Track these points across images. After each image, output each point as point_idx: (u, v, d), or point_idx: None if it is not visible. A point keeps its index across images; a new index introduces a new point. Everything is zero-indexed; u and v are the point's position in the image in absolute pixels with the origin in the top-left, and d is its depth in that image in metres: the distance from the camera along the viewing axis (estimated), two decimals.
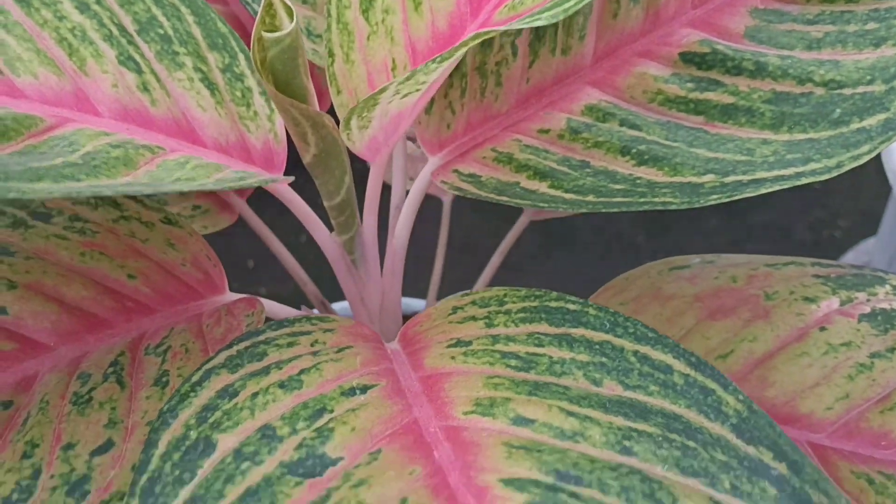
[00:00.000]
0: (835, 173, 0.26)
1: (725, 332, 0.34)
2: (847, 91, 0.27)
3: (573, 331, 0.26)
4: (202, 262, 0.32)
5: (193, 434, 0.22)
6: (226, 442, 0.21)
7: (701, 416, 0.22)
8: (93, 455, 0.24)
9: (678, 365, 0.24)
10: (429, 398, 0.24)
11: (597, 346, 0.25)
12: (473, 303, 0.29)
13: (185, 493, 0.20)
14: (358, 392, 0.24)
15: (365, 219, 0.35)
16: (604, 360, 0.24)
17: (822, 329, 0.34)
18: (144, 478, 0.21)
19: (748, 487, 0.20)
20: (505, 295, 0.28)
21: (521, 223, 0.45)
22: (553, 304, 0.27)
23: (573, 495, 0.20)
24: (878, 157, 0.63)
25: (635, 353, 0.24)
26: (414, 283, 0.57)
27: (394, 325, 0.38)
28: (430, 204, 0.55)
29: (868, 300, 0.34)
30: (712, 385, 0.23)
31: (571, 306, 0.26)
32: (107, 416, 0.25)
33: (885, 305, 0.34)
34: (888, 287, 0.34)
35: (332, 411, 0.23)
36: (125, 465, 0.24)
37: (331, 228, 0.35)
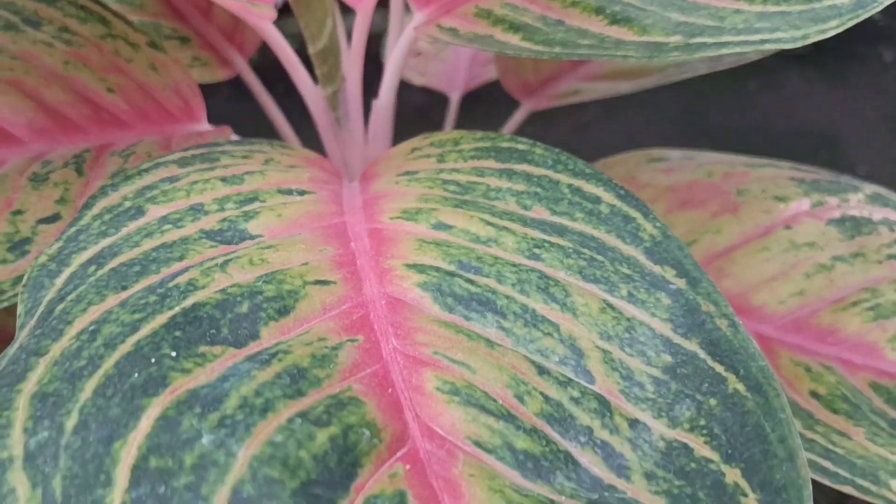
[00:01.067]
0: (799, 43, 0.26)
1: (692, 223, 0.34)
2: None
3: (516, 166, 0.26)
4: (183, 90, 0.33)
5: (128, 203, 0.23)
6: (155, 211, 0.22)
7: (617, 240, 0.22)
8: (39, 223, 0.25)
9: (607, 196, 0.24)
10: (364, 209, 0.25)
11: (535, 179, 0.25)
12: (431, 144, 0.29)
13: (104, 242, 0.21)
14: (295, 193, 0.25)
15: (349, 70, 0.35)
16: (538, 190, 0.25)
17: (788, 228, 0.34)
18: (73, 229, 0.22)
19: (644, 296, 0.21)
20: (461, 137, 0.29)
21: (521, 114, 0.45)
22: (504, 144, 0.27)
23: (469, 281, 0.20)
24: None
25: (569, 185, 0.25)
26: None
27: None
28: (437, 101, 0.56)
29: (839, 206, 0.34)
30: (634, 214, 0.23)
31: (520, 146, 0.27)
32: (59, 194, 0.26)
33: (856, 213, 0.34)
34: (861, 196, 0.34)
35: (264, 201, 0.23)
36: None
37: (316, 80, 0.36)
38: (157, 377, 0.15)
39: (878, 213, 0.34)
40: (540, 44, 0.29)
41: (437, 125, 0.53)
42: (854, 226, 0.34)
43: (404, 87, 0.56)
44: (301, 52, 0.36)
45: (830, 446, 0.26)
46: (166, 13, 0.39)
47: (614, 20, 0.29)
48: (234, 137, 0.32)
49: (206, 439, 0.14)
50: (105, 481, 0.13)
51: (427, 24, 0.33)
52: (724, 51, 0.26)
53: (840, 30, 0.26)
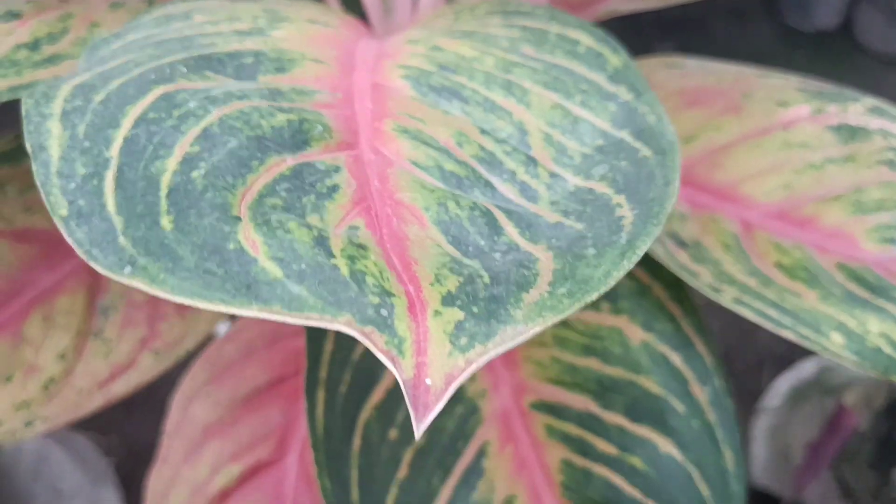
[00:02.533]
0: None
1: (695, 120, 0.37)
2: None
3: (517, 21, 0.29)
4: None
5: (178, 11, 0.27)
6: (200, 18, 0.27)
7: (585, 69, 0.26)
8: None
9: (586, 40, 0.27)
10: (380, 41, 0.29)
11: (530, 30, 0.28)
12: (452, 11, 0.33)
13: (154, 30, 0.25)
14: (320, 24, 0.29)
15: None
16: (530, 37, 0.28)
17: (785, 129, 0.36)
18: (132, 23, 0.26)
19: (594, 104, 0.24)
20: (478, 4, 0.32)
21: None
22: (511, 7, 0.31)
23: (444, 77, 0.24)
24: None
25: (557, 33, 0.28)
26: None
27: None
28: None
29: (838, 114, 0.36)
30: (605, 51, 0.26)
31: (524, 8, 0.30)
32: (130, 17, 0.31)
33: (853, 121, 0.35)
34: (861, 106, 0.36)
35: (291, 21, 0.28)
36: None
37: None
38: (168, 77, 0.19)
39: (875, 123, 0.35)
40: None
41: None
42: (850, 133, 0.35)
43: None
44: None
45: (780, 301, 0.29)
46: None
47: None
48: None
49: (192, 104, 0.18)
50: (114, 125, 0.17)
51: None
52: None
53: None
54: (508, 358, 0.31)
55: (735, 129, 0.36)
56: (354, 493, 0.28)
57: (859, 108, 0.36)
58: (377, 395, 0.30)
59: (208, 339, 0.40)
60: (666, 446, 0.28)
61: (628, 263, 0.16)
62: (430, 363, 0.13)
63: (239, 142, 0.17)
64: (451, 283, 0.15)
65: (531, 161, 0.21)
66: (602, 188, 0.19)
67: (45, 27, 0.29)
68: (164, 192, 0.16)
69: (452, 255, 0.16)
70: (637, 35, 1.71)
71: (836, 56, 1.68)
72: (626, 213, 0.18)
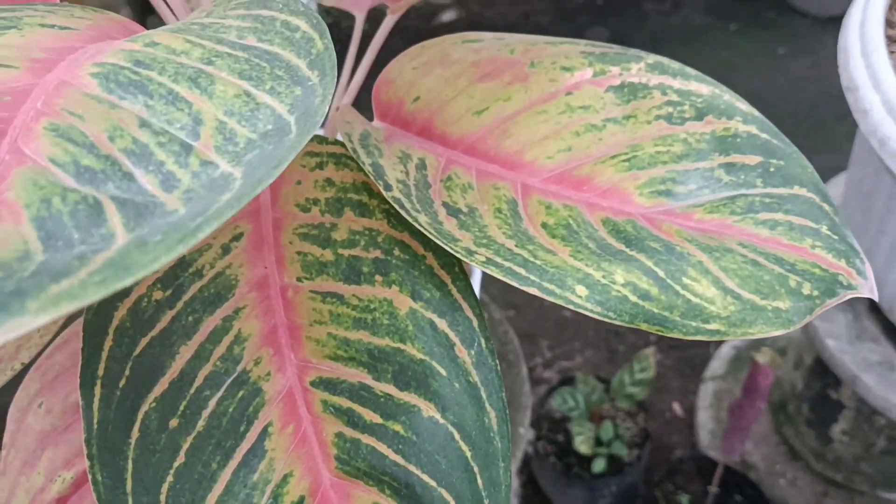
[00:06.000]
0: None
1: (486, 93, 0.38)
2: None
3: (255, 11, 0.30)
4: None
5: None
6: None
7: (293, 55, 0.26)
8: None
9: (304, 26, 0.28)
10: (109, 42, 0.29)
11: (262, 18, 0.29)
12: (215, 4, 0.33)
13: None
14: (57, 28, 0.29)
15: None
16: (259, 26, 0.29)
17: (569, 94, 0.36)
18: None
19: (282, 90, 0.24)
20: None
21: (390, 19, 0.49)
22: None
23: (134, 73, 0.24)
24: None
25: (283, 21, 0.28)
26: None
27: None
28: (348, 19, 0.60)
29: (620, 74, 0.36)
30: (314, 35, 0.27)
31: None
32: None
33: (635, 80, 0.36)
34: (643, 64, 0.36)
35: (20, 30, 0.28)
36: None
37: None
38: None
39: (655, 80, 0.36)
40: None
41: (345, 39, 0.57)
42: (631, 91, 0.36)
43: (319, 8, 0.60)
44: None
45: (531, 259, 0.30)
46: None
47: None
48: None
49: None
50: None
51: None
52: None
53: None
54: (293, 338, 0.32)
55: (523, 98, 0.37)
56: (128, 484, 0.29)
57: (641, 66, 0.36)
58: (161, 387, 0.31)
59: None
60: (428, 410, 0.29)
61: (183, 248, 0.16)
62: None
63: None
64: None
65: (186, 150, 0.21)
66: (238, 174, 0.20)
67: None
68: None
69: (29, 251, 0.16)
70: (569, 22, 1.71)
71: (771, 21, 1.68)
72: (226, 196, 0.18)
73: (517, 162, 0.35)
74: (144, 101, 0.23)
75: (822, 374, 0.86)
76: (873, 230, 0.66)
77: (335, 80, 0.24)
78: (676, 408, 1.15)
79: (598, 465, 0.91)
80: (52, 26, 0.29)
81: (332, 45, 0.26)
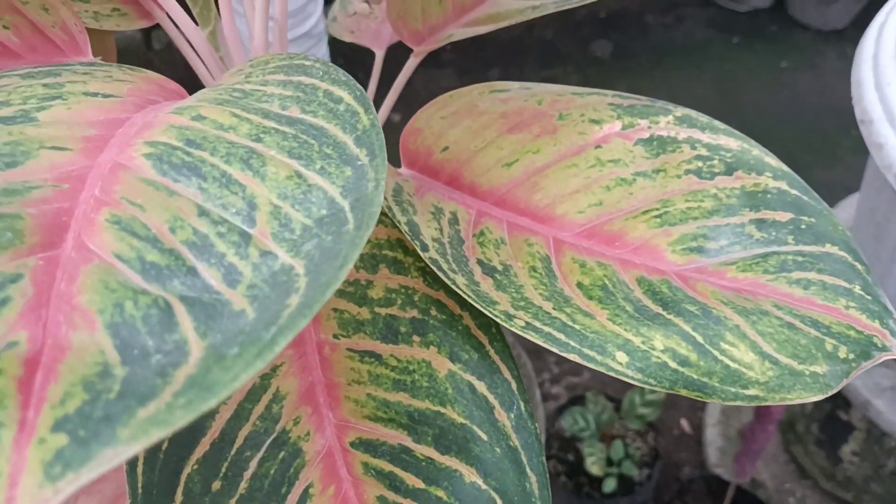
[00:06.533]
0: None
1: (516, 145, 0.38)
2: None
3: (295, 78, 0.30)
4: (70, 27, 0.38)
5: None
6: None
7: (339, 129, 0.27)
8: None
9: (347, 98, 0.28)
10: (156, 111, 0.30)
11: (303, 87, 0.29)
12: (250, 65, 0.34)
13: None
14: (100, 96, 0.30)
15: (222, 13, 0.40)
16: (301, 94, 0.29)
17: (598, 147, 0.37)
18: None
19: (333, 170, 0.25)
20: (272, 58, 0.33)
21: (413, 61, 0.49)
22: (297, 62, 0.32)
23: (186, 153, 0.25)
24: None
25: (325, 91, 0.29)
26: None
27: None
28: (365, 57, 0.60)
29: (649, 127, 0.37)
30: (360, 109, 0.27)
31: (307, 63, 0.31)
32: None
33: (664, 133, 0.37)
34: (671, 117, 0.37)
35: (65, 100, 0.29)
36: None
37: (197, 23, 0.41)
38: None
39: (684, 133, 0.36)
40: None
41: (365, 76, 0.58)
42: (660, 144, 0.36)
43: (337, 43, 0.61)
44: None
45: (570, 323, 0.30)
46: None
47: None
48: (103, 63, 0.37)
49: None
50: None
51: None
52: None
53: None
54: (332, 397, 0.32)
55: (552, 151, 0.37)
56: None
57: (669, 119, 0.37)
58: (202, 448, 0.31)
59: None
60: (471, 475, 0.29)
61: (262, 363, 0.17)
62: (19, 497, 0.14)
63: None
64: (74, 404, 0.15)
65: (245, 240, 0.22)
66: (299, 267, 0.20)
67: None
68: None
69: (108, 363, 0.17)
70: (573, 35, 1.72)
71: (773, 34, 1.69)
72: (295, 301, 0.19)
73: (548, 216, 0.36)
74: (198, 184, 0.24)
75: (833, 396, 0.87)
76: (886, 258, 0.66)
77: (385, 161, 0.24)
78: (684, 424, 1.15)
79: (609, 486, 0.91)
80: (96, 94, 0.29)
81: (378, 121, 0.26)
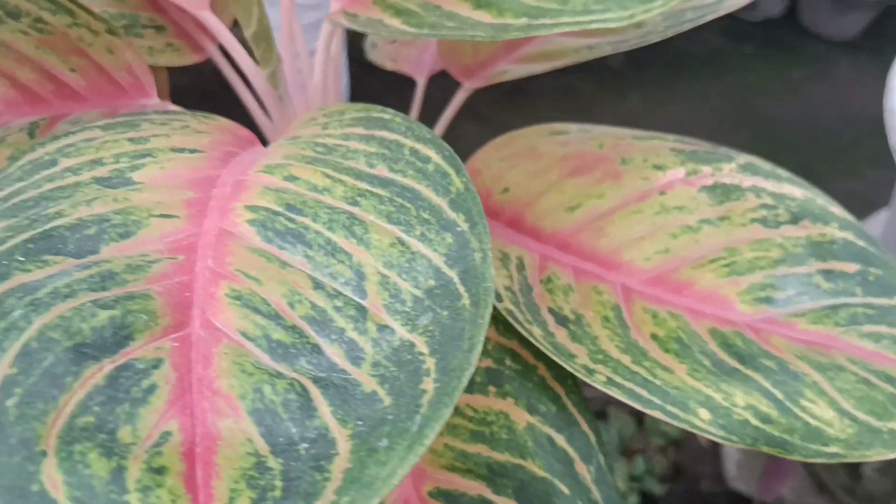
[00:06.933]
0: (625, 23, 0.30)
1: (578, 189, 0.38)
2: None
3: (377, 132, 0.31)
4: (135, 69, 0.38)
5: (47, 157, 0.29)
6: (64, 163, 0.28)
7: (432, 192, 0.27)
8: None
9: (435, 157, 0.28)
10: (242, 166, 0.30)
11: (387, 142, 0.30)
12: (324, 114, 0.34)
13: (18, 185, 0.27)
14: (187, 152, 0.30)
15: (283, 54, 0.41)
16: (386, 151, 0.29)
17: (662, 193, 0.37)
18: (0, 175, 0.28)
19: (433, 236, 0.25)
20: (347, 109, 0.33)
21: (462, 94, 0.49)
22: (375, 114, 0.32)
23: (289, 219, 0.25)
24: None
25: (411, 148, 0.29)
26: None
27: None
28: (403, 84, 0.60)
29: (713, 174, 0.37)
30: (450, 171, 0.27)
31: (385, 116, 0.31)
32: (10, 152, 0.32)
33: (727, 180, 0.37)
34: (734, 165, 0.37)
35: (155, 157, 0.29)
36: None
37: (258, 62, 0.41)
38: (3, 273, 0.20)
39: (748, 181, 0.37)
40: (414, 26, 0.33)
41: (405, 104, 0.58)
42: (724, 192, 0.37)
43: (377, 71, 0.61)
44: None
45: (651, 378, 0.30)
46: (144, 5, 0.45)
47: (479, 5, 0.33)
48: (172, 108, 0.38)
49: (17, 313, 0.19)
50: None
51: (338, 12, 0.38)
52: (558, 30, 0.30)
53: (665, 9, 0.30)
54: None
55: (616, 195, 0.38)
56: None
57: (733, 167, 0.37)
58: None
59: None
60: None
61: (415, 458, 0.17)
62: None
63: (55, 357, 0.18)
64: (242, 503, 0.16)
65: (362, 314, 0.22)
66: (421, 345, 0.21)
67: None
68: None
69: (259, 453, 0.17)
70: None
71: (785, 43, 1.70)
72: (430, 385, 0.19)
73: (614, 262, 0.36)
74: (304, 252, 0.24)
75: None
76: None
77: (487, 229, 0.25)
78: (702, 438, 1.15)
79: (631, 502, 0.92)
80: (182, 150, 0.30)
81: (472, 185, 0.26)
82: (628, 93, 1.59)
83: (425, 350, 0.21)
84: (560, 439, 0.31)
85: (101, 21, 0.38)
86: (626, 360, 0.31)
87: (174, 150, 0.30)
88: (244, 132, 0.36)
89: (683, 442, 1.13)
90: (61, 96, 0.37)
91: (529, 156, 0.40)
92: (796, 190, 0.36)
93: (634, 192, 0.37)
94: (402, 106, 0.62)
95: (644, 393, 0.30)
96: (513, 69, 0.45)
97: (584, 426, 0.31)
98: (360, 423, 0.18)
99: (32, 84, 0.36)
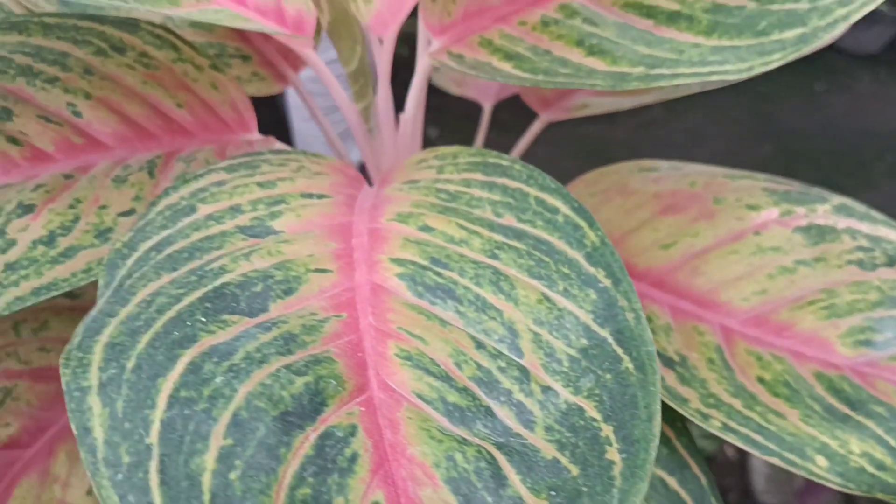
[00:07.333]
0: (744, 75, 0.30)
1: (672, 227, 0.39)
2: (775, 7, 0.31)
3: (498, 179, 0.31)
4: (238, 104, 0.39)
5: (184, 203, 0.29)
6: (204, 209, 0.29)
7: (566, 245, 0.28)
8: (119, 216, 0.32)
9: (564, 208, 0.29)
10: (370, 212, 0.31)
11: (510, 191, 0.30)
12: (435, 157, 0.35)
13: (164, 233, 0.27)
14: (315, 197, 0.31)
15: (379, 89, 0.41)
16: (511, 200, 0.30)
17: (757, 234, 0.38)
18: (142, 223, 0.28)
19: (577, 292, 0.26)
20: (459, 152, 0.34)
21: (538, 125, 0.50)
22: (491, 160, 0.33)
23: (437, 274, 0.26)
24: None
25: (536, 198, 0.30)
26: None
27: None
28: (470, 109, 0.61)
29: (807, 215, 0.38)
30: (582, 223, 0.28)
31: (503, 162, 0.32)
32: (135, 192, 0.33)
33: (822, 221, 0.38)
34: (828, 206, 0.38)
35: (288, 203, 0.29)
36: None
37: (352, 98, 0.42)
38: (190, 335, 0.21)
39: (842, 223, 0.38)
40: (527, 72, 0.34)
41: (471, 129, 0.58)
42: (819, 233, 0.37)
43: (444, 96, 0.62)
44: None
45: (765, 423, 0.31)
46: (230, 35, 0.46)
47: (591, 52, 0.33)
48: (278, 146, 0.38)
49: (218, 379, 0.20)
50: (150, 405, 0.19)
51: (440, 51, 0.38)
52: (678, 81, 0.31)
53: (783, 62, 0.30)
54: None
55: (710, 235, 0.38)
56: None
57: (827, 208, 0.38)
58: None
59: None
60: None
61: None
62: None
63: (266, 427, 0.19)
64: None
65: (524, 375, 0.22)
66: (590, 409, 0.21)
67: (57, 217, 0.31)
68: (206, 496, 0.17)
69: None
70: None
71: (807, 57, 1.71)
72: (615, 455, 0.20)
73: (712, 301, 0.37)
74: (455, 307, 0.25)
75: None
76: None
77: (633, 288, 0.25)
78: (728, 450, 1.16)
79: None
80: (310, 196, 0.30)
81: (607, 238, 0.27)
82: (650, 105, 1.60)
83: (597, 416, 0.21)
84: (672, 482, 0.32)
85: (205, 56, 0.39)
86: (737, 404, 0.32)
87: (303, 195, 0.30)
88: (352, 171, 0.36)
89: (711, 455, 1.13)
90: (169, 132, 0.37)
91: (621, 192, 0.41)
92: (892, 233, 0.37)
93: (729, 231, 0.38)
94: (468, 128, 0.62)
95: (760, 439, 0.30)
96: (594, 102, 0.46)
97: (696, 469, 0.32)
98: (553, 493, 0.19)
99: (142, 119, 0.37)
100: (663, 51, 0.32)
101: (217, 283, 0.23)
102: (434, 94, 0.63)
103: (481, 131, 0.57)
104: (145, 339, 0.21)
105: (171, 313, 0.22)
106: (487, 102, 0.58)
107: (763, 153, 1.50)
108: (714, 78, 0.30)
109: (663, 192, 0.40)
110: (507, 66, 0.34)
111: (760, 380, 0.33)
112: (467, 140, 0.61)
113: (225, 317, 0.22)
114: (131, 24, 0.38)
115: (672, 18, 0.33)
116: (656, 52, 0.32)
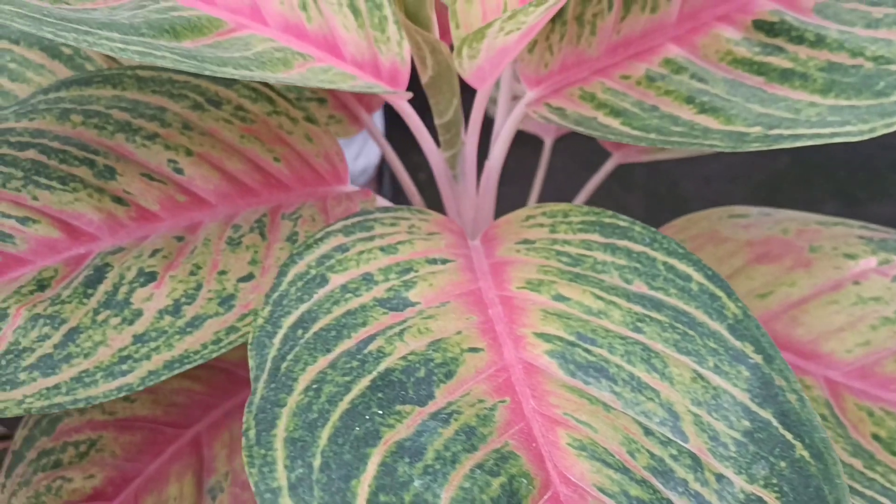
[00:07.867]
0: (866, 136, 0.30)
1: (768, 276, 0.39)
2: (893, 67, 0.31)
3: (619, 242, 0.31)
4: (332, 156, 0.39)
5: (313, 272, 0.29)
6: (336, 280, 0.29)
7: (705, 316, 0.28)
8: (239, 281, 0.32)
9: (696, 276, 0.29)
10: (493, 276, 0.30)
11: (635, 255, 0.30)
12: (543, 213, 0.35)
13: (303, 307, 0.27)
14: (439, 262, 0.30)
15: (468, 138, 0.41)
16: (637, 265, 0.30)
17: (856, 283, 0.38)
18: (276, 294, 0.28)
19: (727, 368, 0.26)
20: (570, 210, 0.34)
21: (610, 164, 0.50)
22: (607, 220, 0.32)
23: (587, 350, 0.26)
24: None
25: (664, 263, 0.30)
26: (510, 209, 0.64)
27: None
28: (531, 145, 0.61)
29: None
30: (720, 293, 0.28)
31: (622, 223, 0.32)
32: (250, 256, 0.33)
33: None
34: None
35: (417, 271, 0.29)
36: (260, 293, 0.31)
37: (438, 144, 0.41)
38: (372, 431, 0.21)
39: None
40: (638, 129, 0.34)
41: (532, 164, 0.58)
42: None
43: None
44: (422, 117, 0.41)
45: (889, 485, 0.31)
46: None
47: (702, 109, 0.33)
48: (379, 200, 0.38)
49: (417, 483, 0.20)
50: None
51: (537, 101, 0.38)
52: (799, 143, 0.31)
53: None
54: None
55: (808, 284, 0.38)
56: None
57: None
58: None
59: None
60: None
61: None
62: None
63: None
64: None
65: (695, 462, 0.22)
66: (772, 500, 0.21)
67: (180, 286, 0.31)
68: None
69: None
70: None
71: None
72: None
73: (814, 352, 0.37)
74: (610, 387, 0.25)
75: None
76: None
77: (787, 364, 0.25)
78: None
79: None
80: (434, 261, 0.30)
81: (749, 310, 0.27)
82: None
83: None
84: None
85: (300, 109, 0.39)
86: (857, 464, 0.32)
87: (428, 261, 0.30)
88: (455, 225, 0.36)
89: None
90: (268, 186, 0.37)
91: (712, 239, 0.41)
92: None
93: (826, 281, 0.38)
94: (523, 155, 0.62)
95: (887, 502, 0.30)
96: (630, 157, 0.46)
97: None
98: None
99: (241, 175, 0.37)
100: (779, 109, 0.32)
101: (381, 368, 0.23)
102: (488, 122, 0.63)
103: (542, 166, 0.57)
104: (325, 434, 0.21)
105: (344, 405, 0.22)
106: (548, 137, 0.58)
107: (779, 165, 1.51)
108: (837, 140, 0.30)
109: (755, 239, 0.40)
110: (615, 123, 0.34)
111: (876, 437, 0.33)
112: (528, 169, 0.61)
113: (398, 407, 0.22)
114: (227, 78, 0.38)
115: (785, 76, 0.33)
116: (772, 111, 0.32)
